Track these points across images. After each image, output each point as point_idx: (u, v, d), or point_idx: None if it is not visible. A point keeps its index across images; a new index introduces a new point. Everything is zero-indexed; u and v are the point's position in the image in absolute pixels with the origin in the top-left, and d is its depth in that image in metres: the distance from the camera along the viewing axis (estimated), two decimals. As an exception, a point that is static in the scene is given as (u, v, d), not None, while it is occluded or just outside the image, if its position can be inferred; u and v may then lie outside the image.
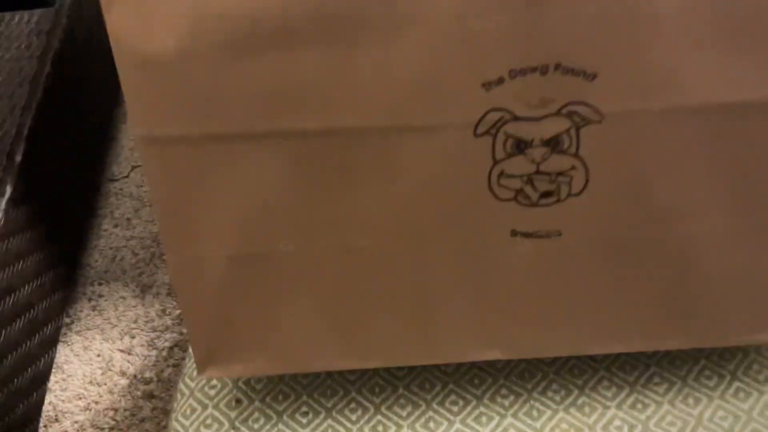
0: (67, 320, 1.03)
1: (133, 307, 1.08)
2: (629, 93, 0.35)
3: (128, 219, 1.15)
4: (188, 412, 0.53)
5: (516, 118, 0.36)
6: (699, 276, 0.42)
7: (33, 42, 1.00)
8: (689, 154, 0.37)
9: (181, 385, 0.55)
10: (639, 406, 0.49)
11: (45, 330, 0.95)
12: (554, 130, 0.37)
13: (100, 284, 1.10)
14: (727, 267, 0.42)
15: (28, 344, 0.89)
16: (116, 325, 1.06)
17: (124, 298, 1.09)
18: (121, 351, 1.03)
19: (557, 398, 0.50)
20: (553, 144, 0.37)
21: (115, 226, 1.15)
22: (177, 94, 0.36)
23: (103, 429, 0.92)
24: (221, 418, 0.52)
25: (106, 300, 1.08)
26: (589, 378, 0.51)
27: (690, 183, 0.38)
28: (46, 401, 0.93)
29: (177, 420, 0.53)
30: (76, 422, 0.92)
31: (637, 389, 0.50)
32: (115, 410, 0.93)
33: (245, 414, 0.52)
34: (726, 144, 0.37)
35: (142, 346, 1.03)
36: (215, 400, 0.53)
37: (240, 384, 0.53)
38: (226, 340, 0.45)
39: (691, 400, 0.49)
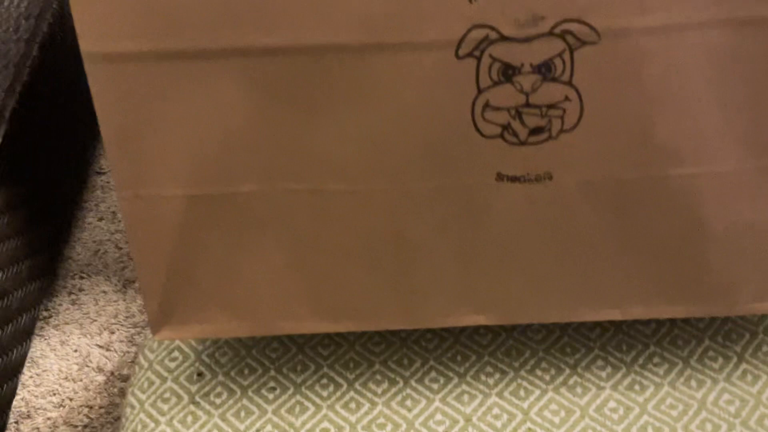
0: (45, 314, 1.02)
1: (114, 302, 1.06)
2: (627, 8, 0.32)
3: (113, 212, 1.12)
4: (145, 385, 0.49)
5: (503, 38, 0.33)
6: (704, 231, 0.38)
7: (21, 25, 0.98)
8: (694, 82, 0.34)
9: (140, 357, 0.51)
10: (636, 387, 0.45)
11: (19, 320, 0.92)
12: (545, 53, 0.33)
13: (81, 278, 1.08)
14: (736, 221, 0.38)
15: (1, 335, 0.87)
16: (96, 320, 1.04)
17: (105, 292, 1.07)
18: (100, 347, 1.01)
19: (547, 377, 0.46)
20: (544, 70, 0.34)
21: (100, 219, 1.13)
22: (129, 6, 0.33)
23: (76, 426, 0.90)
24: (180, 392, 0.48)
25: (86, 294, 1.06)
26: (583, 357, 0.46)
27: (695, 117, 0.34)
28: (19, 396, 0.92)
29: (133, 394, 0.50)
30: (49, 419, 0.90)
31: (635, 370, 0.46)
32: (90, 407, 0.90)
33: (207, 388, 0.48)
34: (734, 70, 0.33)
35: (121, 342, 1.01)
36: (175, 373, 0.49)
37: (203, 356, 0.49)
38: (183, 296, 0.41)
39: (693, 383, 0.45)
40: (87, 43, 0.34)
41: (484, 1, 0.32)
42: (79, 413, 0.91)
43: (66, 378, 0.95)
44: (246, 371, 0.48)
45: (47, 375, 0.94)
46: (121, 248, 1.08)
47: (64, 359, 0.97)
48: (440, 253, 0.39)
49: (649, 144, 0.35)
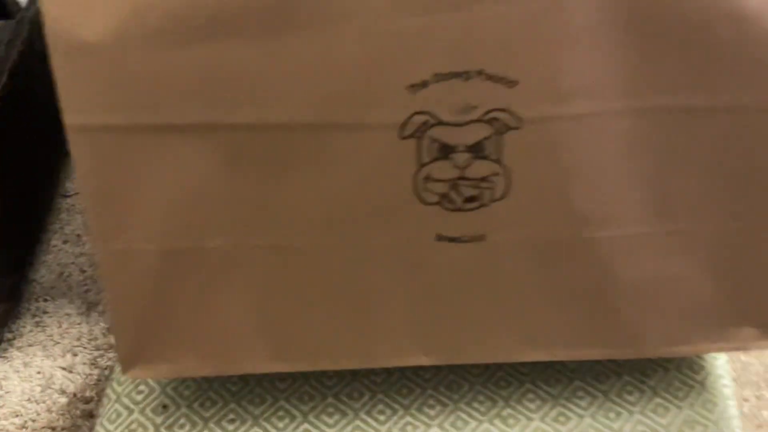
0: (9, 335, 1.01)
1: (78, 324, 1.07)
2: (548, 99, 0.37)
3: (78, 235, 1.14)
4: (114, 416, 0.52)
5: (440, 123, 0.38)
6: (617, 284, 0.43)
7: (-9, 52, 1.00)
8: (607, 160, 0.39)
9: (108, 390, 0.54)
10: (561, 418, 0.50)
11: None
12: (477, 136, 0.38)
13: (45, 300, 1.09)
14: (645, 276, 0.43)
15: (-37, 357, 0.87)
16: (59, 342, 1.04)
17: (69, 315, 1.07)
18: (63, 369, 1.01)
19: (482, 409, 0.51)
20: (476, 150, 0.39)
21: (65, 242, 1.14)
22: (109, 83, 0.37)
23: None
24: (147, 423, 0.52)
25: (50, 316, 1.06)
26: (515, 390, 0.51)
27: (609, 188, 0.40)
28: None
29: (102, 425, 0.53)
30: None
31: (561, 402, 0.51)
32: (53, 429, 0.91)
33: (171, 420, 0.52)
34: (643, 149, 0.39)
35: (84, 364, 1.01)
36: (141, 405, 0.52)
37: (168, 389, 0.53)
38: (152, 338, 0.45)
39: (612, 414, 0.50)
40: (69, 116, 0.38)
41: (425, 92, 0.37)
42: None
43: (29, 399, 0.95)
44: (208, 403, 0.52)
45: (10, 396, 0.95)
46: (85, 271, 1.10)
47: (27, 381, 0.97)
48: (390, 301, 0.44)
49: (568, 211, 0.41)
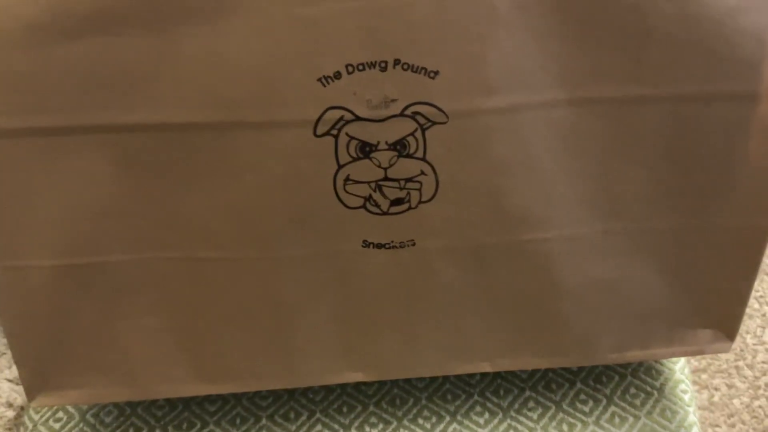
0: None
1: None
2: (473, 91, 0.33)
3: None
4: None
5: (357, 118, 0.34)
6: (559, 288, 0.40)
7: None
8: (542, 155, 0.35)
9: (25, 418, 0.50)
10: (512, 432, 0.47)
11: None
12: (399, 132, 0.34)
13: None
14: (589, 279, 0.40)
15: None
16: (5, 353, 0.99)
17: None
18: (9, 381, 0.97)
19: (428, 426, 0.47)
20: (399, 147, 0.35)
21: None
22: None
23: None
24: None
25: None
26: (462, 403, 0.48)
27: (545, 186, 0.36)
28: None
29: None
30: None
31: (511, 415, 0.47)
32: None
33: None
34: (581, 143, 0.35)
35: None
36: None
37: (88, 416, 0.49)
38: (57, 363, 0.41)
39: (565, 426, 0.47)
40: None
41: (337, 85, 0.33)
42: None
43: None
44: (131, 430, 0.48)
45: None
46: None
47: None
48: (315, 315, 0.40)
49: (502, 212, 0.37)
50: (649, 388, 0.49)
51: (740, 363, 0.94)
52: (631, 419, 0.47)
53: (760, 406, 0.90)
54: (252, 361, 0.42)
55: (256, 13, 0.32)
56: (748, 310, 1.00)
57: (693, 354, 0.44)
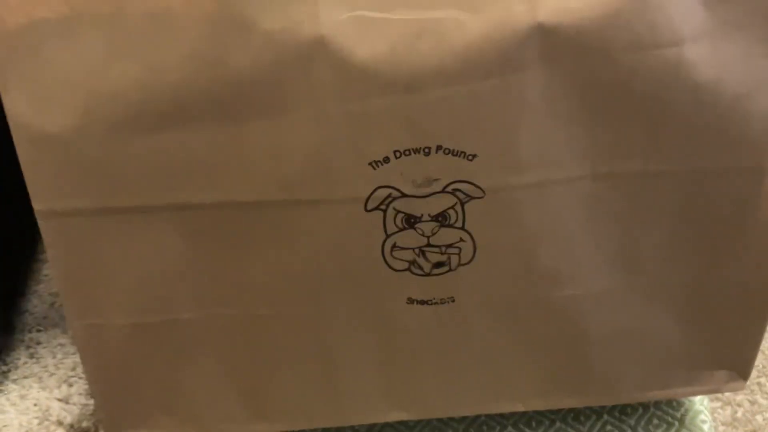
0: (4, 368, 1.01)
1: (72, 354, 1.06)
2: (507, 169, 0.37)
3: (69, 264, 1.13)
4: None
5: (404, 195, 0.38)
6: (587, 337, 0.44)
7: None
8: (570, 223, 0.39)
9: None
10: (543, 460, 0.51)
11: None
12: (440, 206, 0.38)
13: (38, 331, 1.08)
14: (614, 328, 0.44)
15: (-39, 394, 0.87)
16: (54, 374, 1.03)
17: (62, 345, 1.07)
18: (59, 400, 1.00)
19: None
20: (440, 219, 0.39)
21: (56, 271, 1.14)
22: (73, 171, 0.37)
23: None
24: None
25: (44, 347, 1.05)
26: (497, 434, 0.52)
27: (574, 250, 0.40)
28: None
29: None
30: None
31: (542, 445, 0.51)
32: None
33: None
34: (605, 212, 0.39)
35: (80, 394, 1.01)
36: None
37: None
38: (132, 406, 0.45)
39: (593, 455, 0.51)
40: (38, 202, 0.38)
41: (386, 167, 0.37)
42: None
43: None
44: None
45: (8, 430, 0.95)
46: (77, 300, 1.10)
47: (24, 413, 0.97)
48: (361, 361, 0.44)
49: (533, 272, 0.41)
50: (670, 419, 0.52)
51: (762, 380, 0.96)
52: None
53: None
54: (303, 401, 0.46)
55: (314, 109, 0.36)
56: None
57: (709, 392, 0.48)
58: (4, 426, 0.97)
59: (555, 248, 0.40)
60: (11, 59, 0.34)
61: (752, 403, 0.95)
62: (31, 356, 1.05)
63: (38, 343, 1.07)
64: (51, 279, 1.14)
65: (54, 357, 1.05)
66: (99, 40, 0.34)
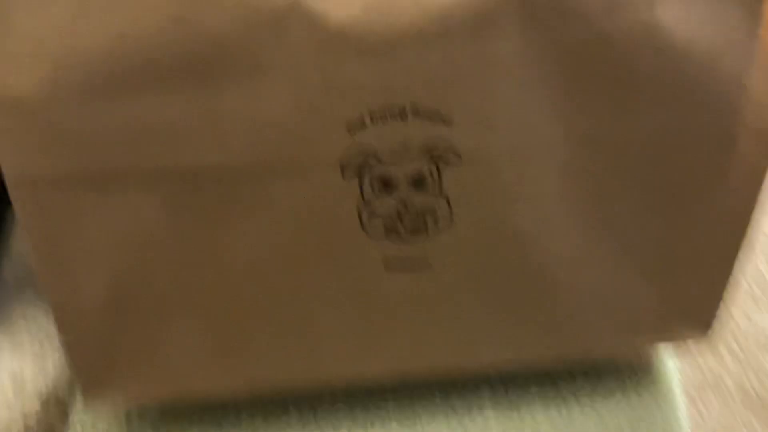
0: None
1: (45, 325, 1.06)
2: (483, 133, 0.37)
3: (41, 236, 1.12)
4: None
5: (381, 162, 0.38)
6: (558, 293, 0.45)
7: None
8: (542, 186, 0.40)
9: (74, 419, 0.55)
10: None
11: None
12: (417, 172, 0.38)
13: (10, 299, 1.08)
14: (583, 283, 0.45)
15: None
16: (27, 346, 1.03)
17: (34, 316, 1.06)
18: (34, 371, 1.00)
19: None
20: (417, 184, 0.39)
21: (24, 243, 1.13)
22: (42, 136, 0.36)
23: None
24: None
25: (16, 319, 1.05)
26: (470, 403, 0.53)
27: (545, 212, 0.41)
28: None
29: None
30: None
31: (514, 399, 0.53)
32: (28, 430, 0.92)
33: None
34: (579, 172, 0.40)
35: (55, 366, 1.01)
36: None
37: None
38: (109, 370, 0.46)
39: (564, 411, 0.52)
40: (7, 168, 0.38)
41: (363, 134, 0.37)
42: None
43: (1, 404, 0.95)
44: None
45: None
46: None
47: None
48: (338, 322, 0.45)
49: (510, 235, 0.42)
50: (638, 371, 0.54)
51: (731, 342, 1.00)
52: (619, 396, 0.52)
53: (750, 384, 0.96)
54: (279, 360, 0.47)
55: (289, 72, 0.35)
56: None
57: (676, 340, 0.50)
58: (-21, 398, 0.96)
59: (531, 212, 0.41)
60: None
61: (720, 364, 0.99)
62: (1, 324, 1.04)
63: (9, 317, 1.06)
64: (19, 253, 1.13)
65: (27, 330, 1.04)
66: (68, 1, 0.33)
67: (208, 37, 0.34)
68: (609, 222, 0.42)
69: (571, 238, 0.43)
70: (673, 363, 0.56)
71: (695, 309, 0.48)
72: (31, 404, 0.96)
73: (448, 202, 0.40)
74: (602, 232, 0.43)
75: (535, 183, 0.40)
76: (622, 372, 0.54)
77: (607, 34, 0.35)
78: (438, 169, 0.39)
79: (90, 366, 0.46)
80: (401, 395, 0.53)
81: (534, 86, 0.36)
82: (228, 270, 0.42)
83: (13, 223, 1.11)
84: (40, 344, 1.00)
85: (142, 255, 0.41)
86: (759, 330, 1.01)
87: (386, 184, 0.39)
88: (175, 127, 0.36)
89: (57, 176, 0.38)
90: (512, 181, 0.39)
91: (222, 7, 0.34)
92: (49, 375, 0.99)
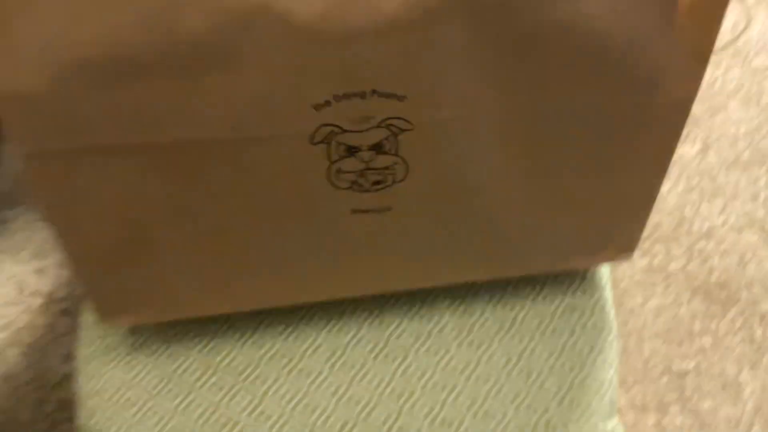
0: None
1: (42, 228, 1.11)
2: (432, 107, 0.43)
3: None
4: (91, 340, 0.60)
5: (344, 131, 0.44)
6: (504, 230, 0.53)
7: None
8: (485, 147, 0.46)
9: (81, 319, 0.63)
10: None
11: None
12: (377, 138, 0.45)
13: (5, 209, 1.12)
14: (525, 220, 0.53)
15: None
16: (25, 248, 1.07)
17: (30, 221, 1.11)
18: (33, 272, 1.05)
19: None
20: (377, 148, 0.45)
21: (14, 150, 1.15)
22: (45, 120, 0.41)
23: (23, 345, 0.95)
24: (119, 346, 0.60)
25: (12, 224, 1.09)
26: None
27: (489, 168, 0.48)
28: None
29: (82, 348, 0.61)
30: None
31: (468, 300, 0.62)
32: (34, 328, 0.96)
33: (141, 339, 0.61)
34: (514, 135, 0.46)
35: (53, 266, 1.07)
36: (112, 330, 0.61)
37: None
38: (120, 302, 0.54)
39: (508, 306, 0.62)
40: (16, 146, 0.43)
41: (329, 109, 0.43)
42: (23, 334, 0.96)
43: (7, 303, 1.01)
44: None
45: None
46: (38, 177, 1.12)
47: (2, 286, 1.03)
48: (310, 256, 0.52)
49: (458, 186, 0.49)
50: (574, 278, 0.63)
51: (679, 230, 1.07)
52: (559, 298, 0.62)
53: (693, 269, 1.04)
54: (261, 287, 0.55)
55: (261, 63, 0.40)
56: (686, 185, 1.13)
57: (605, 262, 0.59)
58: (-15, 299, 1.02)
59: (476, 168, 0.47)
60: None
61: (667, 252, 1.07)
62: (1, 234, 1.09)
63: (6, 221, 1.11)
64: (11, 157, 1.17)
65: (24, 232, 1.09)
66: (59, 9, 0.38)
67: (188, 35, 0.39)
68: (546, 173, 0.50)
69: (513, 187, 0.50)
70: (606, 269, 0.65)
71: (622, 239, 0.57)
72: (32, 302, 1.03)
73: (404, 161, 0.46)
74: (540, 182, 0.50)
75: (478, 145, 0.46)
76: (562, 278, 0.63)
77: (539, 22, 0.41)
78: (394, 136, 0.45)
79: (104, 299, 0.54)
80: (372, 306, 0.62)
81: (476, 68, 0.42)
82: (215, 221, 0.49)
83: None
84: (38, 252, 1.06)
85: (139, 209, 0.47)
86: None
87: (350, 149, 0.45)
88: (160, 109, 0.42)
89: (62, 150, 0.43)
90: (458, 143, 0.46)
91: (200, 9, 0.38)
92: (49, 277, 1.06)
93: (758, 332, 0.96)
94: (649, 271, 1.04)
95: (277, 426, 0.56)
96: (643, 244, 1.05)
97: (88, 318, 0.63)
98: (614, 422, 0.58)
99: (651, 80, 0.44)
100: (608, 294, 0.63)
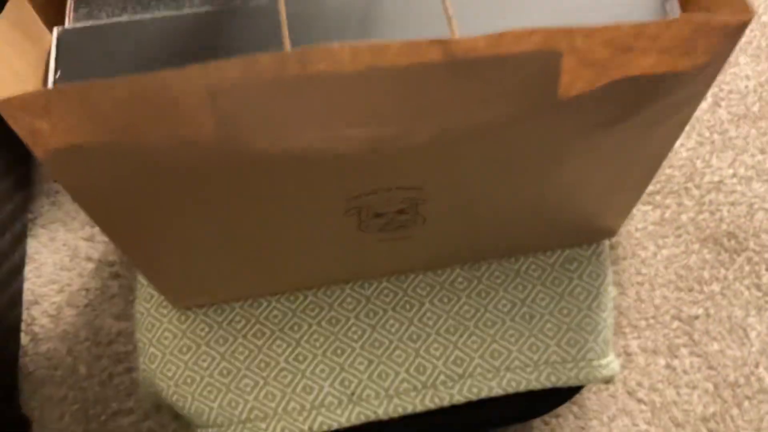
0: (30, 216, 1.03)
1: None
2: (445, 190, 0.50)
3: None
4: (147, 297, 0.65)
5: (372, 207, 0.51)
6: (504, 234, 0.59)
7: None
8: (490, 197, 0.52)
9: (139, 277, 0.67)
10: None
11: (14, 227, 0.98)
12: (398, 208, 0.52)
13: (55, 180, 1.17)
14: (521, 226, 0.58)
15: (1, 242, 0.95)
16: (75, 217, 1.06)
17: None
18: (84, 239, 1.05)
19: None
20: (399, 212, 0.52)
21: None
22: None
23: (78, 306, 0.98)
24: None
25: (63, 194, 1.08)
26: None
27: (494, 205, 0.53)
28: (25, 288, 0.97)
29: (139, 304, 0.65)
30: (53, 303, 0.96)
31: (479, 277, 0.66)
32: (87, 290, 0.98)
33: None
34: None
35: (102, 233, 1.13)
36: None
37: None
38: (184, 292, 0.59)
39: (512, 259, 0.65)
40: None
41: (359, 200, 0.48)
42: (78, 296, 0.98)
43: (61, 268, 1.01)
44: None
45: (45, 268, 0.99)
46: (86, 149, 1.16)
47: (56, 253, 1.00)
48: (334, 262, 0.58)
49: (468, 220, 0.55)
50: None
51: (689, 184, 1.09)
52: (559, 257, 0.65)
53: (703, 219, 1.03)
54: (293, 278, 0.60)
55: (305, 164, 0.45)
56: (698, 138, 1.14)
57: (589, 242, 0.65)
58: (41, 264, 1.01)
59: (484, 207, 0.54)
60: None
61: (679, 204, 1.09)
62: (53, 204, 1.12)
63: (57, 192, 1.15)
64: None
65: (74, 203, 1.14)
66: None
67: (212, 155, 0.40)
68: (546, 199, 0.55)
69: (509, 213, 0.56)
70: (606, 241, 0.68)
71: (607, 227, 0.62)
72: (84, 267, 1.08)
73: (423, 217, 0.54)
74: (534, 200, 0.55)
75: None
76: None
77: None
78: (415, 205, 0.52)
79: (161, 288, 0.59)
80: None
81: (482, 163, 0.48)
82: (256, 245, 0.54)
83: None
84: (87, 221, 1.11)
85: (176, 218, 0.48)
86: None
87: (377, 214, 0.52)
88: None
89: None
90: (468, 200, 0.52)
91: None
92: (99, 243, 1.11)
93: (765, 278, 0.98)
94: (661, 223, 1.05)
95: (312, 366, 0.62)
96: (656, 197, 1.07)
97: (142, 279, 0.66)
98: (609, 358, 0.63)
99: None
100: (604, 245, 0.66)
